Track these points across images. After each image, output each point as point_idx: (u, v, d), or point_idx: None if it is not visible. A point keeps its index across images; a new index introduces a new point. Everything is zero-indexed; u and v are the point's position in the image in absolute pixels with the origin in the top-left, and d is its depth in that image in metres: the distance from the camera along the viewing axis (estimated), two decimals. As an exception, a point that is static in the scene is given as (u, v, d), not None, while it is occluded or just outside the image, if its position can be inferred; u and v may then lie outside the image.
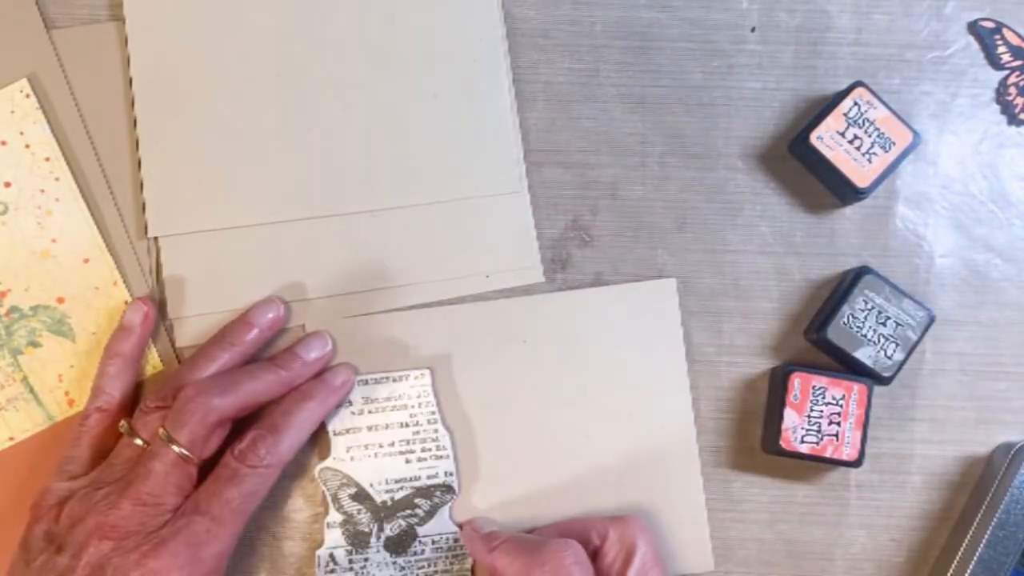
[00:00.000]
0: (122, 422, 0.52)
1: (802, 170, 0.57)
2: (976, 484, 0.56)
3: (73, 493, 0.50)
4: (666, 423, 0.56)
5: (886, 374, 0.54)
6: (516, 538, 0.50)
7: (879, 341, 0.54)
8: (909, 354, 0.54)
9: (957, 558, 0.53)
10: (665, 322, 0.56)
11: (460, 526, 0.55)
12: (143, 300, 0.55)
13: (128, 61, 0.57)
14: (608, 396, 0.56)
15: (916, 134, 0.55)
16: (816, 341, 0.55)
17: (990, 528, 0.52)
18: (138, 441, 0.50)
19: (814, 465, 0.55)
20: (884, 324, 0.54)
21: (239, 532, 0.50)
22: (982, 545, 0.52)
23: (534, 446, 0.55)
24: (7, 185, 0.56)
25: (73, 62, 0.57)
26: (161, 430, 0.49)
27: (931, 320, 0.54)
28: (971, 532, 0.53)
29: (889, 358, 0.54)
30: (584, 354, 0.56)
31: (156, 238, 0.56)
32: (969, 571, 0.52)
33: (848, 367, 0.54)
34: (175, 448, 0.49)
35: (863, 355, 0.54)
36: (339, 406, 0.55)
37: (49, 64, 0.57)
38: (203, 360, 0.53)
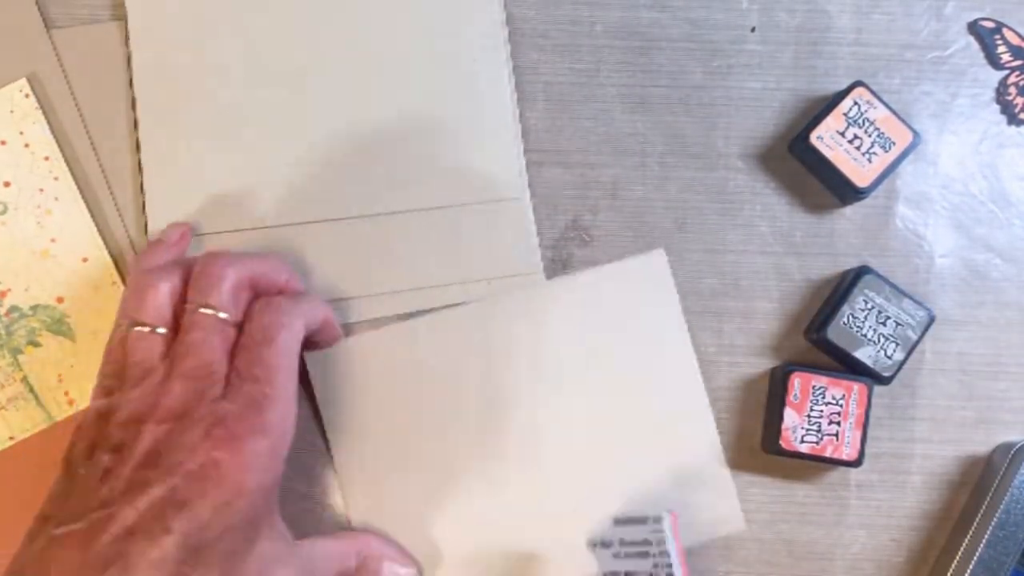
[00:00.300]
0: (124, 322, 0.49)
1: (802, 170, 0.57)
2: (976, 484, 0.56)
3: (115, 405, 0.47)
4: (675, 387, 0.56)
5: (886, 374, 0.54)
6: None
7: (879, 341, 0.54)
8: (909, 354, 0.54)
9: (957, 558, 0.53)
10: (660, 291, 0.56)
11: None
12: (182, 222, 0.55)
13: (129, 61, 0.57)
14: (616, 374, 0.56)
15: (916, 134, 0.55)
16: (816, 341, 0.55)
17: (990, 528, 0.52)
18: (161, 330, 0.48)
19: (814, 465, 0.55)
20: (884, 324, 0.54)
21: (294, 393, 0.47)
22: (982, 545, 0.52)
23: (548, 437, 0.55)
24: (6, 185, 0.56)
25: (73, 62, 0.57)
26: (189, 303, 0.48)
27: (931, 320, 0.54)
28: (971, 532, 0.53)
29: (889, 358, 0.54)
30: (584, 337, 0.56)
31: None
32: (969, 571, 0.52)
33: (848, 367, 0.54)
34: (210, 311, 0.47)
35: (863, 355, 0.54)
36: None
37: (49, 64, 0.57)
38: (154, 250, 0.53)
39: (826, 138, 0.54)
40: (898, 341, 0.54)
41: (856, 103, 0.55)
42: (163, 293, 0.49)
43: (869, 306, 0.54)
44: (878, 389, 0.55)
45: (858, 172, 0.54)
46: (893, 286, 0.54)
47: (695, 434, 0.56)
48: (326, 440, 0.55)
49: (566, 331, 0.56)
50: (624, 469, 0.55)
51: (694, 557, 0.55)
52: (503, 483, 0.55)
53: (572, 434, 0.55)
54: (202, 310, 0.48)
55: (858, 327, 0.54)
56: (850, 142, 0.54)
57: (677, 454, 0.55)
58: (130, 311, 0.49)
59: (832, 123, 0.55)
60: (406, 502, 0.55)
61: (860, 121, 0.54)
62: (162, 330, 0.48)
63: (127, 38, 0.57)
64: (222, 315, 0.48)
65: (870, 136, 0.54)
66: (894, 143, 0.55)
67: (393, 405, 0.55)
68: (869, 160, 0.54)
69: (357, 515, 0.55)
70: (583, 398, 0.56)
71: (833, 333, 0.54)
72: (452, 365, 0.56)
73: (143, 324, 0.48)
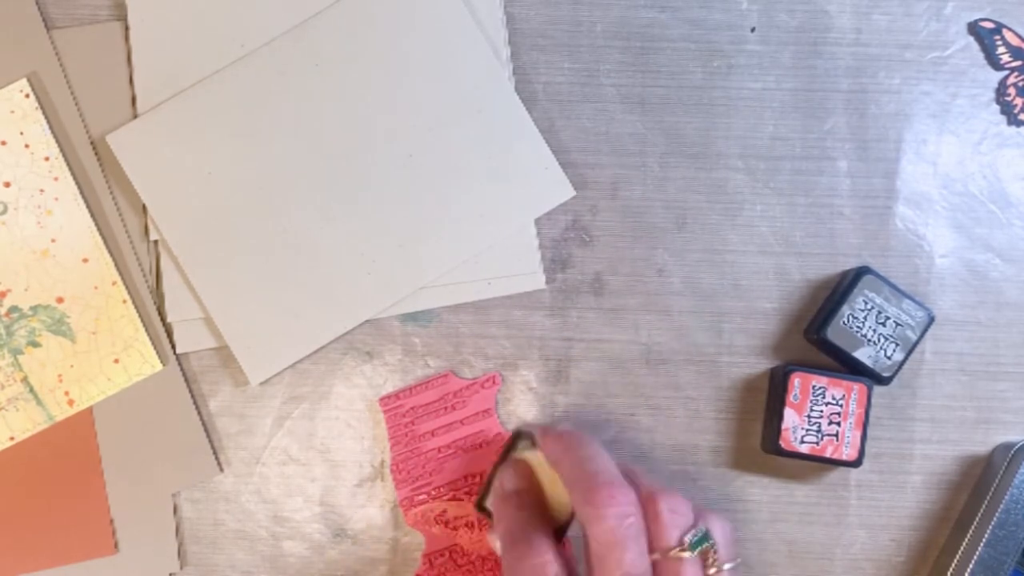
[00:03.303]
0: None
1: (802, 170, 0.57)
2: (976, 484, 0.56)
3: None
4: (477, 80, 0.57)
5: (886, 374, 0.54)
6: (507, 522, 0.48)
7: (879, 341, 0.54)
8: (909, 354, 0.54)
9: (957, 558, 0.53)
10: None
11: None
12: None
13: (129, 60, 0.57)
14: (414, 85, 0.57)
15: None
16: (816, 341, 0.55)
17: (990, 528, 0.52)
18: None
19: (814, 465, 0.55)
20: (884, 324, 0.54)
21: None
22: (982, 545, 0.52)
23: (373, 172, 0.57)
24: (7, 185, 0.56)
25: (73, 62, 0.57)
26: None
27: (931, 320, 0.54)
28: (971, 532, 0.53)
29: (889, 358, 0.54)
30: (379, 59, 0.57)
31: (156, 241, 0.56)
32: (969, 571, 0.52)
33: (848, 367, 0.54)
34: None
35: (863, 355, 0.54)
36: None
37: (49, 64, 0.57)
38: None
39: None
40: (898, 341, 0.54)
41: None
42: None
43: (869, 306, 0.54)
44: (878, 389, 0.55)
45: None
46: (893, 286, 0.54)
47: (503, 113, 0.57)
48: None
49: (356, 57, 0.57)
50: (447, 178, 0.57)
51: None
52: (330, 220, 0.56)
53: (396, 166, 0.57)
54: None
55: (858, 327, 0.54)
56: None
57: (492, 139, 0.57)
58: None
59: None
60: (249, 272, 0.56)
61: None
62: None
63: (127, 38, 0.57)
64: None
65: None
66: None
67: (209, 176, 0.56)
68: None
69: (210, 301, 0.56)
70: (387, 118, 0.57)
71: (833, 333, 0.54)
72: (252, 121, 0.57)
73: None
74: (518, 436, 0.52)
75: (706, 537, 0.45)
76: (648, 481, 0.47)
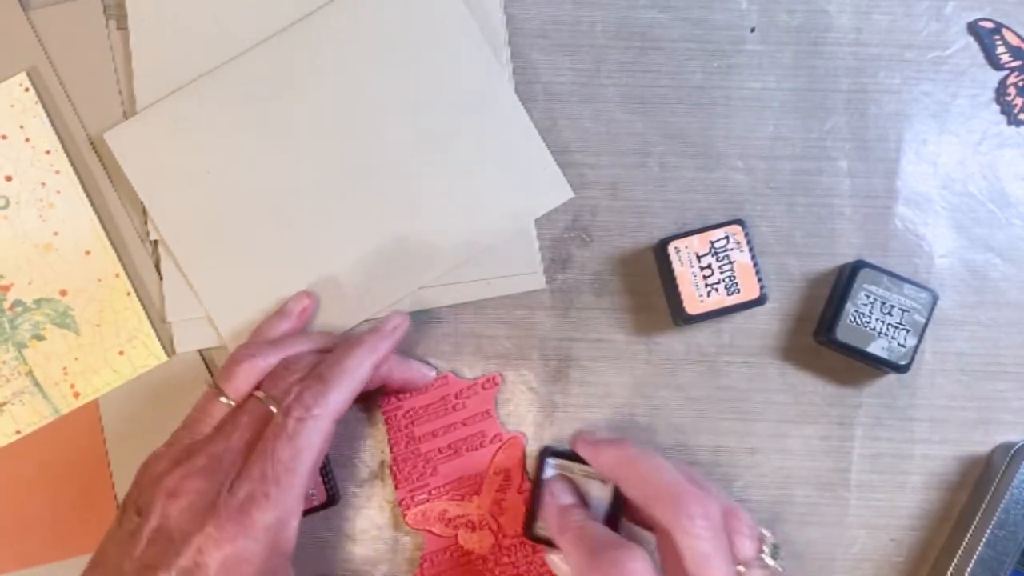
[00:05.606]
0: (212, 382, 0.50)
1: (802, 170, 0.57)
2: (975, 484, 0.55)
3: (160, 454, 0.48)
4: (477, 80, 0.57)
5: (903, 362, 0.53)
6: (586, 531, 0.47)
7: (889, 332, 0.53)
8: (921, 337, 0.53)
9: (957, 558, 0.53)
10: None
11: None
12: (307, 294, 0.56)
13: (128, 58, 0.57)
14: (413, 85, 0.57)
15: (764, 295, 0.54)
16: (827, 343, 0.55)
17: (989, 528, 0.52)
18: (227, 401, 0.49)
19: (814, 465, 0.55)
20: (890, 314, 0.53)
21: (300, 494, 0.46)
22: (981, 545, 0.52)
23: (369, 171, 0.57)
24: (8, 179, 0.56)
25: (71, 58, 0.57)
26: (259, 391, 0.49)
27: (935, 300, 0.54)
28: (970, 532, 0.53)
29: (903, 346, 0.53)
30: (378, 58, 0.57)
31: (156, 241, 0.57)
32: (968, 571, 0.52)
33: (865, 362, 0.54)
34: (260, 395, 0.48)
35: (877, 348, 0.53)
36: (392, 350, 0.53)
37: (49, 58, 0.57)
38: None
39: (683, 252, 0.54)
40: (908, 327, 0.53)
41: (727, 237, 0.54)
42: (248, 371, 0.50)
43: (871, 299, 0.54)
44: (879, 389, 0.55)
45: (692, 298, 0.54)
46: (891, 274, 0.54)
47: (500, 112, 0.57)
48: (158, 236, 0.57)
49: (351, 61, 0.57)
50: (441, 179, 0.57)
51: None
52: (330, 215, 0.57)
53: (391, 161, 0.57)
54: (256, 394, 0.49)
55: (865, 322, 0.53)
56: (701, 269, 0.54)
57: (490, 138, 0.57)
58: (218, 376, 0.50)
59: (697, 243, 0.54)
60: (250, 267, 0.57)
61: (721, 256, 0.54)
62: (228, 401, 0.49)
63: (127, 36, 0.57)
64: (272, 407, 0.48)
65: (723, 273, 0.54)
66: (739, 292, 0.54)
67: (207, 174, 0.57)
68: (708, 294, 0.54)
69: (210, 301, 0.56)
70: (395, 124, 0.57)
71: (843, 333, 0.53)
72: (249, 116, 0.57)
73: (222, 392, 0.49)
74: (546, 453, 0.52)
75: (778, 545, 0.46)
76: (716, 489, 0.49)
